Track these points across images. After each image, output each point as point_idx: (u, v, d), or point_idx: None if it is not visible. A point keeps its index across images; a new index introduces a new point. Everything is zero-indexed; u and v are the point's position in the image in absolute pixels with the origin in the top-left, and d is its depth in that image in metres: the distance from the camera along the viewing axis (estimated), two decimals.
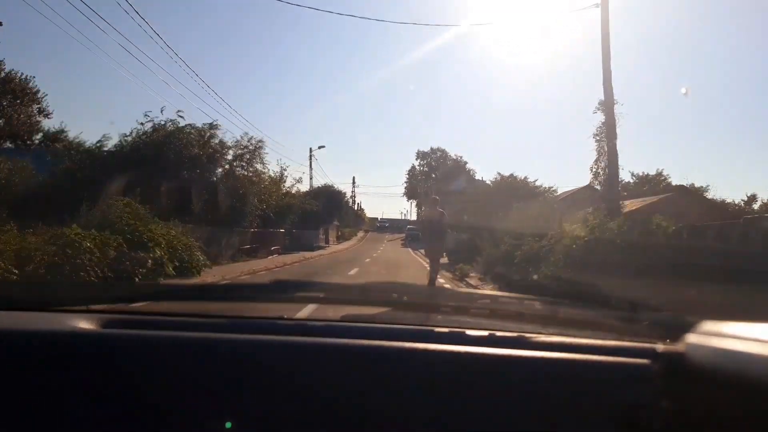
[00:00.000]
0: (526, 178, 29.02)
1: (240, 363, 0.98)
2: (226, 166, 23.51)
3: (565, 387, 0.94)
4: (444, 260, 23.03)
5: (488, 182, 29.27)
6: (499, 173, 30.08)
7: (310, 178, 46.16)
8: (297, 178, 35.21)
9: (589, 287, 7.58)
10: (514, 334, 1.08)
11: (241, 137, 24.54)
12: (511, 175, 29.02)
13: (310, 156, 46.68)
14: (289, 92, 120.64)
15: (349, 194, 75.20)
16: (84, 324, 1.09)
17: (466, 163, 70.42)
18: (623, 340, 1.08)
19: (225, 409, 0.91)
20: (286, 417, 0.92)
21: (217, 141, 22.64)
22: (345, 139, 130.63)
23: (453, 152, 75.79)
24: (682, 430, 0.86)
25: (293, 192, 34.14)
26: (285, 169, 34.51)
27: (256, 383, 0.95)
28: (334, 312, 1.41)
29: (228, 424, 0.89)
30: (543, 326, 1.20)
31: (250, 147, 24.32)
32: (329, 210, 44.02)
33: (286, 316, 1.29)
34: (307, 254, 27.65)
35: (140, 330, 1.09)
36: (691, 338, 0.90)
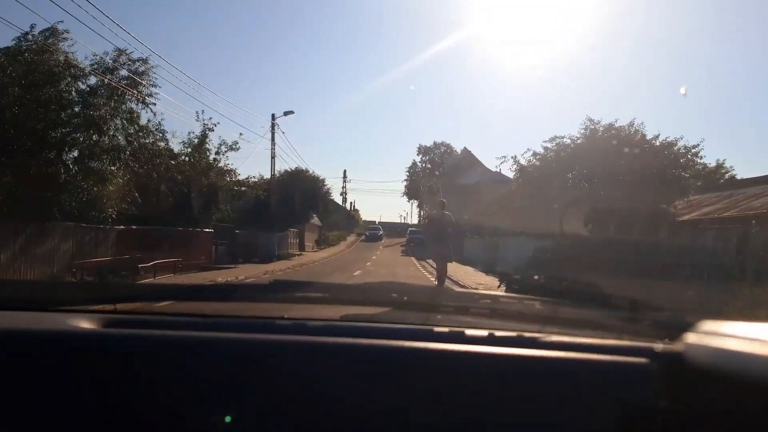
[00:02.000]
0: (635, 128, 14.44)
1: (240, 362, 0.98)
2: (76, 108, 12.70)
3: (564, 386, 0.94)
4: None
5: (509, 175, 17.60)
6: (589, 118, 15.33)
7: (272, 157, 28.67)
8: (230, 144, 20.50)
9: None
10: (514, 334, 1.07)
11: (107, 54, 13.90)
12: (611, 125, 14.84)
13: (273, 125, 28.44)
14: (283, 86, 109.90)
15: (339, 191, 64.56)
16: (84, 324, 1.11)
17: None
18: (622, 340, 1.08)
19: (225, 408, 0.92)
20: (286, 415, 0.93)
21: (61, 58, 11.91)
22: (341, 140, 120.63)
23: (458, 147, 65.30)
24: (680, 428, 0.87)
25: (227, 168, 20.72)
26: (212, 128, 19.53)
27: (255, 382, 0.96)
28: (334, 312, 1.41)
29: (228, 418, 0.91)
30: (543, 326, 1.19)
31: (123, 71, 13.61)
32: (303, 204, 31.63)
33: (286, 316, 1.29)
34: (249, 270, 16.67)
35: (140, 330, 1.09)
36: (690, 338, 0.91)
